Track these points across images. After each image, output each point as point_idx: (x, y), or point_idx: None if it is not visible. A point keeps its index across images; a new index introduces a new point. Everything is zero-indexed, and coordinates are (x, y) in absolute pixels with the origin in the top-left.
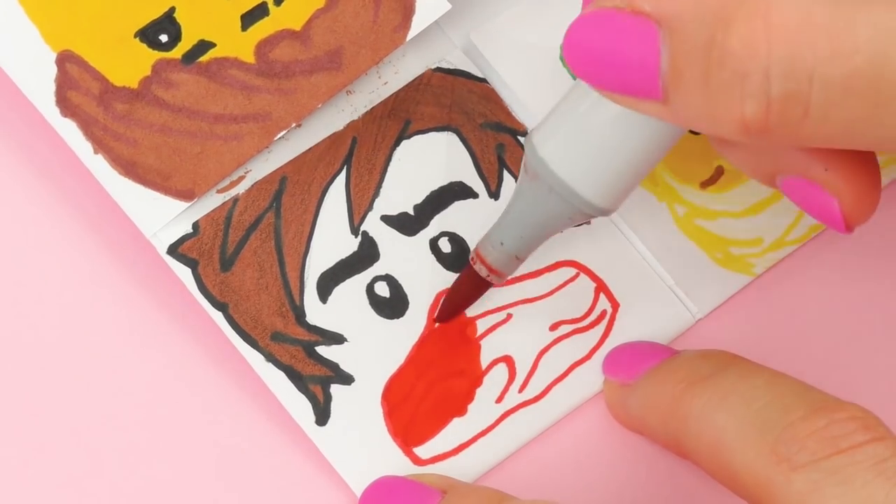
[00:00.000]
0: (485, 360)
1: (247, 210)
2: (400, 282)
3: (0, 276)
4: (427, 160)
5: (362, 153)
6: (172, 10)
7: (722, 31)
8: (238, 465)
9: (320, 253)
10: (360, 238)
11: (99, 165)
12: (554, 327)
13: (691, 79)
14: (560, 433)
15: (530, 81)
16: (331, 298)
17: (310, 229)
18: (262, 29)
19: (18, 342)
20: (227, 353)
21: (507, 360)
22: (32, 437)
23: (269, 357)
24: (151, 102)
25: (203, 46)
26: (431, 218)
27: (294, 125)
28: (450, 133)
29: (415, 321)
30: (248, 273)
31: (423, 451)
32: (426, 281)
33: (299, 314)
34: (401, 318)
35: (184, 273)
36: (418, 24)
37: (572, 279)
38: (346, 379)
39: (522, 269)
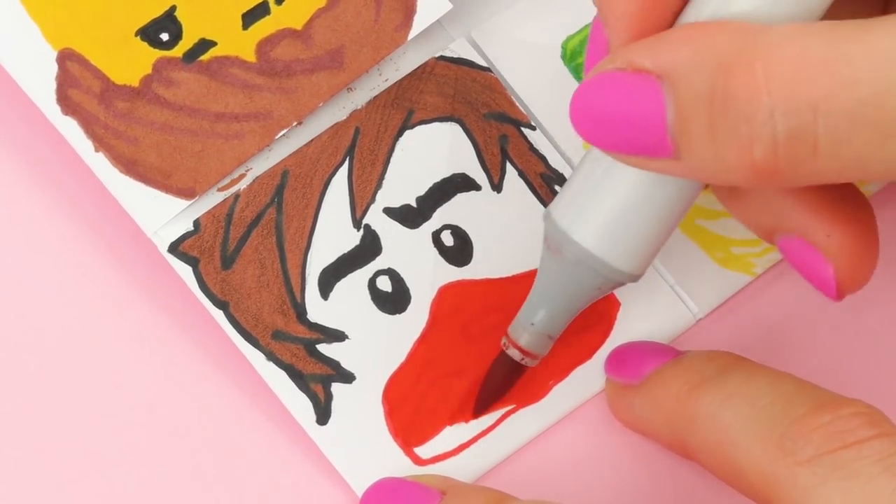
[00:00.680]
0: (486, 359)
1: (248, 206)
2: (402, 276)
3: (0, 275)
4: (430, 151)
5: (365, 143)
6: (173, 8)
7: (723, 78)
8: (238, 465)
9: (322, 248)
10: (362, 231)
11: (100, 163)
12: None
13: (698, 130)
14: (560, 433)
15: (532, 79)
16: (332, 295)
17: (311, 224)
18: (264, 28)
19: (19, 341)
20: (228, 352)
21: None
22: (32, 437)
23: (270, 356)
24: (152, 101)
25: (204, 45)
26: (434, 210)
27: (295, 124)
28: (453, 124)
29: (417, 316)
30: (249, 271)
31: (423, 450)
32: (428, 275)
33: (300, 312)
34: (403, 314)
35: (185, 271)
36: (419, 23)
37: None
38: (348, 377)
39: (526, 265)
